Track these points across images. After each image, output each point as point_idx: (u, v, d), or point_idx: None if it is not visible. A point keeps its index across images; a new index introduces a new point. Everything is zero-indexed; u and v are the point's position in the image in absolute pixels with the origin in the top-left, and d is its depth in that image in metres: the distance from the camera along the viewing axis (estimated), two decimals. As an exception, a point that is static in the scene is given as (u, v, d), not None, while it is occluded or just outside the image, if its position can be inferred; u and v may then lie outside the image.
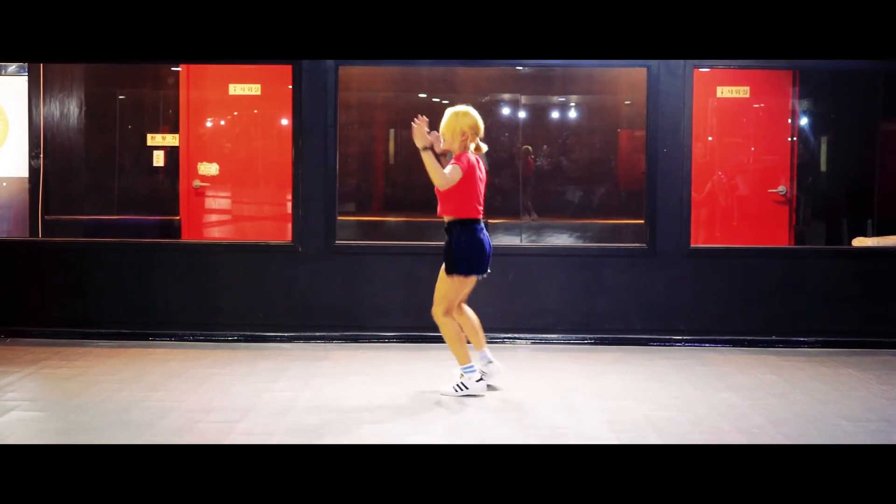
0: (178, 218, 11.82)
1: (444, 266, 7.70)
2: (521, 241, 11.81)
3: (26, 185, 11.46)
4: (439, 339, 9.54)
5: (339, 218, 9.97)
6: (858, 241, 10.62)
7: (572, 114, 12.70)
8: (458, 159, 7.62)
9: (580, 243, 11.88)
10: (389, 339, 9.77)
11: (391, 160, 12.46)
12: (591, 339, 9.79)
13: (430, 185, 7.65)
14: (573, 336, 9.81)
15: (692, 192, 9.95)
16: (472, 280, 7.76)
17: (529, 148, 12.00)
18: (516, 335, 9.77)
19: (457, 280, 7.67)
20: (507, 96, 12.29)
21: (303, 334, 9.79)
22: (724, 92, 11.42)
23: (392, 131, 12.60)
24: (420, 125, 7.60)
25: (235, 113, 11.90)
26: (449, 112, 7.71)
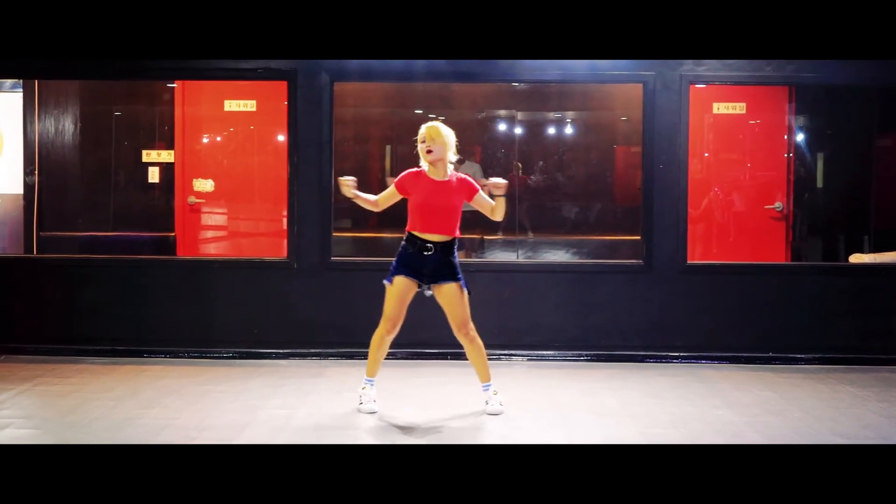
0: (173, 234, 11.80)
1: (453, 285, 7.55)
2: (517, 258, 11.79)
3: (21, 202, 11.42)
4: (435, 356, 9.56)
5: (334, 234, 9.94)
6: (855, 258, 10.60)
7: (568, 130, 12.71)
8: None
9: (576, 259, 11.86)
10: (385, 356, 9.70)
11: (387, 176, 12.45)
12: (587, 355, 9.76)
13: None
14: (569, 352, 9.77)
15: (688, 208, 9.92)
16: None
17: (519, 164, 12.00)
18: (512, 352, 9.73)
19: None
20: (503, 112, 12.29)
21: (298, 351, 9.75)
22: (720, 108, 11.42)
23: (388, 147, 12.60)
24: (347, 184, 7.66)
25: (231, 129, 11.89)
26: (443, 127, 7.66)
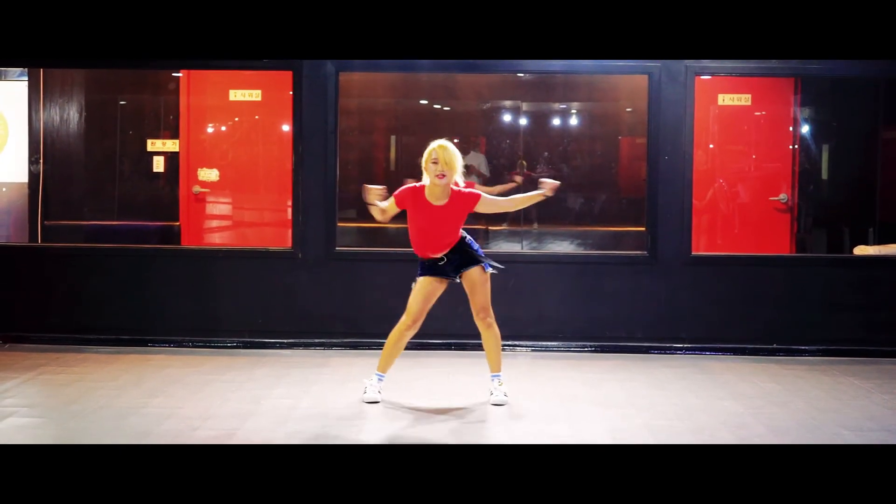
0: (177, 224, 11.80)
1: (476, 269, 7.54)
2: (521, 248, 11.79)
3: (26, 191, 11.44)
4: (439, 347, 9.59)
5: (339, 224, 9.95)
6: (860, 250, 10.59)
7: (573, 121, 12.68)
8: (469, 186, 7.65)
9: (581, 250, 11.85)
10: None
11: (392, 166, 12.44)
12: (591, 346, 9.76)
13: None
14: (574, 343, 9.78)
15: (693, 200, 9.92)
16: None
17: (524, 162, 11.99)
18: (517, 342, 9.73)
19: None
20: (508, 103, 12.27)
21: (302, 341, 9.76)
22: (725, 99, 11.40)
23: (393, 137, 12.58)
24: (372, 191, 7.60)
25: (236, 119, 11.88)
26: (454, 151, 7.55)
